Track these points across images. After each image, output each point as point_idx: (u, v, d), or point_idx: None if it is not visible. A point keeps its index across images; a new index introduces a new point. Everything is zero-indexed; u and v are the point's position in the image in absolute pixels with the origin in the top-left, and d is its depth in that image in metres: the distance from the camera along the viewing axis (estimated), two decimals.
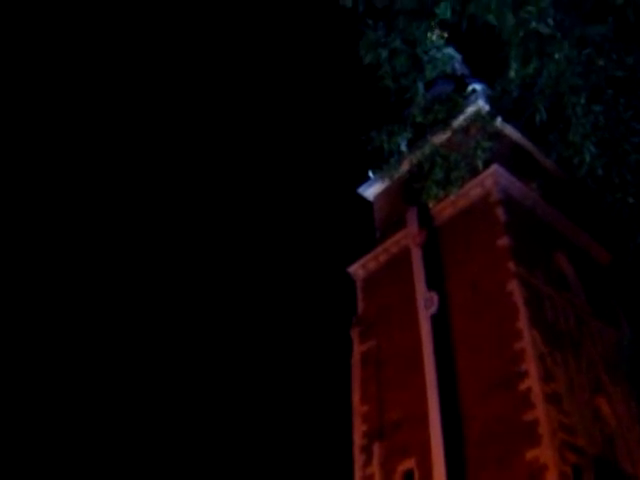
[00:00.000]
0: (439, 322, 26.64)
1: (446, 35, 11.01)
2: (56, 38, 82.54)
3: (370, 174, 35.80)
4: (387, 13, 9.75)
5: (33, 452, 54.42)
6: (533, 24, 8.81)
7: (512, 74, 9.42)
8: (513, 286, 25.24)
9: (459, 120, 13.45)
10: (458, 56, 37.90)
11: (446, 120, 11.79)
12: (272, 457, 52.91)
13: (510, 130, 31.14)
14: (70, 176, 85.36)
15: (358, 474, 27.46)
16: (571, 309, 27.39)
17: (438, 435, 23.90)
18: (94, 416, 62.44)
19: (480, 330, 25.52)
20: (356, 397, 29.70)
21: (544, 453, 21.49)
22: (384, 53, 9.81)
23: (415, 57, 9.99)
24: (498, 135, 25.16)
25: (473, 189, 28.50)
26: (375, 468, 26.75)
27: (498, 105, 11.14)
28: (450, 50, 10.81)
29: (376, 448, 27.11)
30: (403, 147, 11.13)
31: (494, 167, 28.00)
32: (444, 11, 9.31)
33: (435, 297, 27.09)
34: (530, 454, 21.78)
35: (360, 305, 32.49)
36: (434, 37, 10.33)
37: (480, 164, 11.86)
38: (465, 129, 13.93)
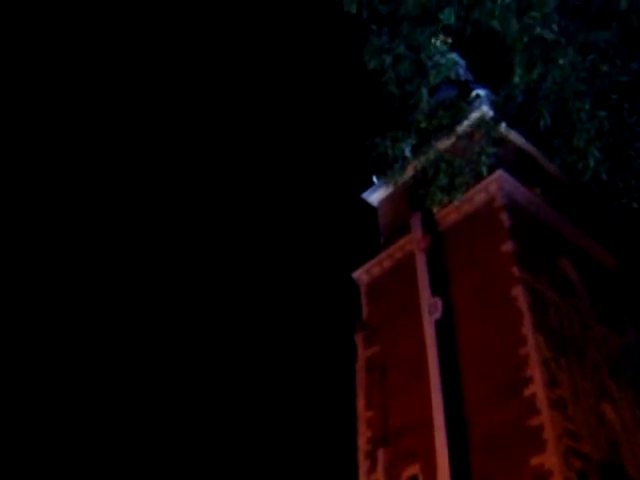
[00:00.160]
0: (443, 327, 26.60)
1: (450, 41, 11.03)
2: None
3: (374, 179, 35.80)
4: (391, 19, 9.77)
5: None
6: (537, 30, 8.82)
7: (516, 79, 9.43)
8: (517, 291, 25.20)
9: (463, 126, 13.45)
10: (462, 62, 37.97)
11: (450, 126, 11.78)
12: (278, 463, 52.88)
13: (514, 135, 31.11)
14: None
15: None
16: (575, 314, 27.34)
17: (443, 441, 23.86)
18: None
19: (484, 335, 25.49)
20: (360, 403, 29.66)
21: (549, 459, 21.44)
22: (388, 59, 9.83)
23: (419, 63, 10.00)
24: (502, 141, 25.14)
25: (477, 194, 28.48)
26: (380, 474, 26.70)
27: (502, 111, 11.13)
28: (454, 56, 10.82)
29: (381, 454, 27.07)
30: (407, 153, 11.15)
31: (498, 172, 27.99)
32: (448, 17, 9.33)
33: (439, 302, 27.05)
34: (535, 460, 21.73)
35: (364, 310, 32.47)
36: (438, 43, 10.34)
37: (484, 170, 11.84)
38: (469, 135, 13.93)
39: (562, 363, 24.52)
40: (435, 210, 28.81)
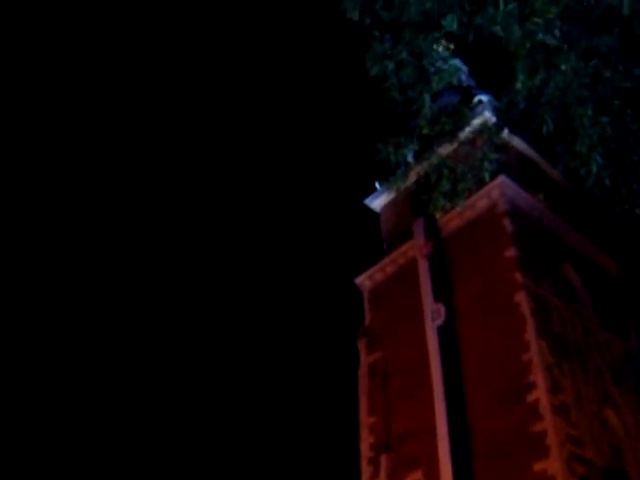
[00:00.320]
0: (446, 333, 26.57)
1: (452, 47, 11.05)
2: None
3: (377, 186, 35.81)
4: (394, 25, 9.79)
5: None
6: (540, 36, 8.83)
7: (519, 85, 9.44)
8: (520, 297, 25.17)
9: (466, 132, 13.45)
10: (464, 68, 37.99)
11: (453, 132, 11.80)
12: (281, 469, 52.77)
13: (517, 141, 31.10)
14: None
15: None
16: (578, 320, 27.31)
17: (446, 447, 23.82)
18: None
19: (487, 341, 25.46)
20: (363, 409, 29.62)
21: (552, 465, 21.39)
22: (390, 65, 9.84)
23: (422, 69, 10.02)
24: (505, 147, 25.17)
25: (480, 200, 28.47)
26: None
27: (505, 117, 11.14)
28: (456, 62, 10.87)
29: (383, 460, 27.02)
30: (410, 159, 11.15)
31: (501, 178, 27.98)
32: (450, 23, 9.34)
33: (442, 308, 27.02)
34: (538, 466, 21.67)
35: (367, 316, 32.45)
36: (440, 49, 10.37)
37: (487, 176, 11.85)
38: (472, 141, 13.92)
39: (565, 369, 24.49)
40: (438, 216, 28.80)
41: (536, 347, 23.85)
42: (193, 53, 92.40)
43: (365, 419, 29.16)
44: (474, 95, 32.30)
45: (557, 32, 8.96)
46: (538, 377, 23.23)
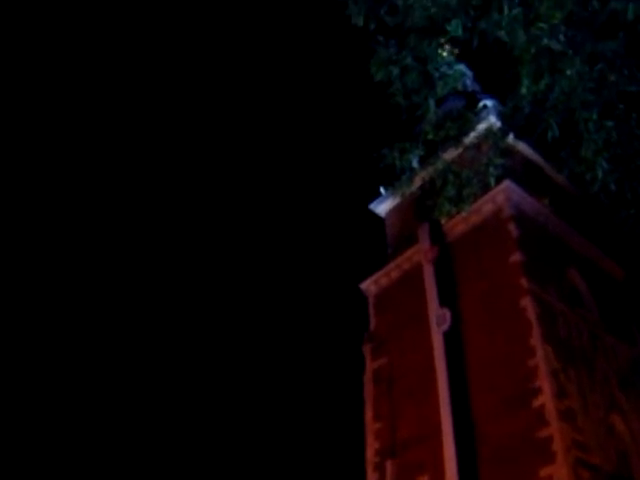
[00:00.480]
0: (452, 338, 26.51)
1: (457, 52, 11.05)
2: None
3: (382, 191, 35.83)
4: (398, 31, 9.79)
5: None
6: (545, 40, 8.82)
7: (524, 90, 9.43)
8: (526, 302, 25.12)
9: (471, 137, 13.43)
10: (469, 73, 38.00)
11: (458, 137, 11.78)
12: (287, 475, 52.72)
13: (522, 146, 31.09)
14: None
15: None
16: (584, 325, 27.25)
17: (451, 452, 23.75)
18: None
19: (493, 346, 25.41)
20: (368, 414, 29.59)
21: (558, 470, 21.32)
22: (395, 70, 9.84)
23: (426, 74, 10.01)
24: (510, 151, 25.13)
25: (485, 205, 28.45)
26: None
27: (510, 121, 11.12)
28: (461, 67, 10.87)
29: (389, 465, 26.96)
30: (415, 164, 11.16)
31: (506, 183, 27.96)
32: (455, 28, 9.34)
33: (447, 314, 26.96)
34: (544, 471, 21.61)
35: (372, 321, 32.43)
36: (445, 54, 10.37)
37: (492, 180, 11.82)
38: (477, 146, 13.91)
39: (571, 374, 24.42)
40: (443, 221, 28.77)
41: (542, 352, 23.80)
42: (197, 61, 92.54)
43: (370, 425, 29.12)
44: (479, 100, 32.32)
45: (562, 37, 8.95)
46: (544, 382, 23.18)
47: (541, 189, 30.79)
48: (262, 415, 71.83)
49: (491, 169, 11.84)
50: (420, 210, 31.61)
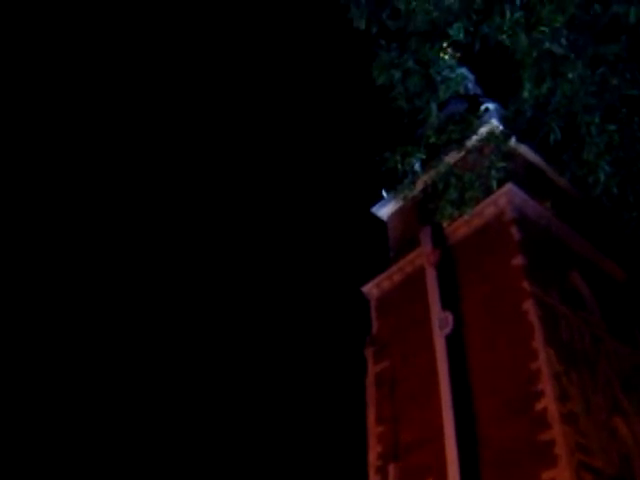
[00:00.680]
0: (454, 342, 26.49)
1: (459, 55, 11.06)
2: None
3: (384, 194, 35.85)
4: (400, 34, 9.81)
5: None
6: (546, 44, 8.85)
7: (526, 94, 9.45)
8: (528, 305, 25.10)
9: (473, 140, 13.44)
10: (471, 76, 37.99)
11: (460, 140, 11.80)
12: (289, 479, 52.70)
13: (524, 150, 31.08)
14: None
15: None
16: (586, 328, 27.22)
17: (454, 456, 23.72)
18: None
19: (495, 350, 25.39)
20: (371, 417, 29.55)
21: (561, 474, 21.28)
22: (397, 74, 9.86)
23: (428, 77, 10.03)
24: (512, 155, 25.15)
25: (487, 208, 28.44)
26: None
27: (512, 125, 11.14)
28: (463, 70, 10.86)
29: (391, 469, 26.93)
30: (417, 167, 11.17)
31: (508, 186, 27.95)
32: (457, 32, 9.36)
33: (450, 317, 26.94)
34: (547, 475, 21.57)
35: (374, 325, 32.40)
36: (447, 57, 10.38)
37: (494, 184, 11.84)
38: (479, 149, 13.91)
39: (573, 377, 24.39)
40: (445, 224, 28.76)
41: (544, 355, 23.77)
42: (197, 64, 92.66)
43: (373, 428, 29.08)
44: (481, 103, 32.30)
45: (564, 40, 8.98)
46: (546, 385, 23.15)
47: (543, 192, 30.77)
48: (264, 418, 71.71)
49: (493, 172, 11.85)
50: (422, 213, 31.59)
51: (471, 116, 12.61)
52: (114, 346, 77.82)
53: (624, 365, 27.95)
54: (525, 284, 25.69)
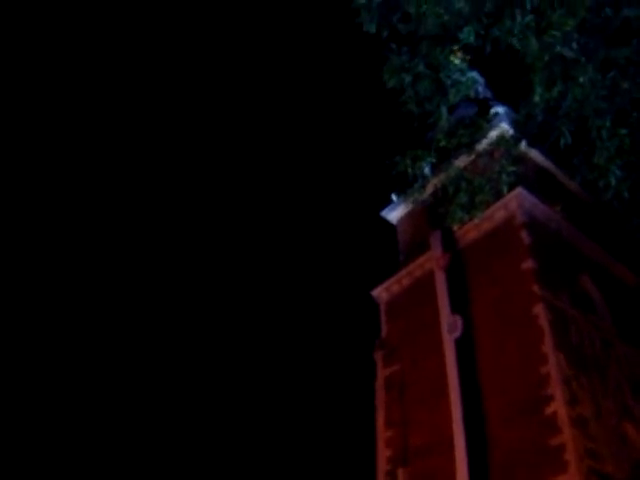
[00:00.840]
0: (463, 346, 26.43)
1: (469, 59, 11.05)
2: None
3: (393, 197, 35.83)
4: (411, 38, 9.82)
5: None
6: (557, 48, 8.83)
7: (536, 98, 9.43)
8: (538, 309, 25.01)
9: (483, 144, 13.41)
10: (481, 80, 37.93)
11: (470, 144, 11.78)
12: None
13: (535, 153, 30.99)
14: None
15: None
16: (597, 332, 27.10)
17: (463, 460, 23.64)
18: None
19: (505, 354, 25.31)
20: (380, 421, 29.50)
21: (571, 479, 21.19)
22: (408, 78, 9.87)
23: (438, 81, 10.04)
24: (522, 159, 25.09)
25: (497, 212, 28.38)
26: None
27: (523, 129, 11.12)
28: (473, 74, 10.84)
29: (400, 473, 26.87)
30: (427, 171, 11.17)
31: (518, 190, 27.87)
32: (468, 35, 9.36)
33: (459, 321, 26.87)
34: None
35: (384, 328, 32.37)
36: (457, 61, 10.37)
37: (505, 188, 11.82)
38: (489, 153, 13.88)
39: (583, 382, 24.28)
40: (455, 228, 28.70)
41: (554, 360, 23.68)
42: (210, 70, 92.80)
43: (382, 432, 29.03)
44: (491, 107, 32.24)
45: (574, 44, 8.96)
46: (556, 390, 23.05)
47: (554, 196, 30.68)
48: (273, 422, 71.74)
49: (503, 176, 11.83)
50: (432, 217, 31.55)
51: (481, 120, 12.59)
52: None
53: (635, 370, 27.80)
54: (535, 288, 25.60)
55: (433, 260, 29.96)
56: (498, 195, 13.22)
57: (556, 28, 8.69)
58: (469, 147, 11.99)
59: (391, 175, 11.26)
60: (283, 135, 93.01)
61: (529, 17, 8.83)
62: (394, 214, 35.95)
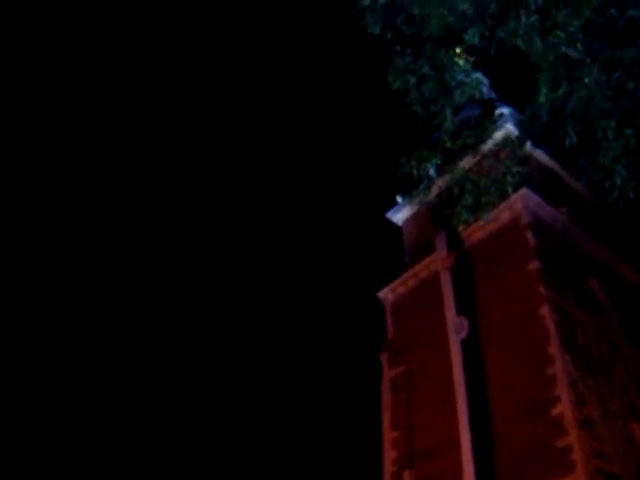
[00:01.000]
0: (469, 347, 26.42)
1: (473, 60, 11.05)
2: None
3: (399, 199, 35.82)
4: (415, 40, 9.82)
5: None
6: (562, 48, 8.81)
7: (542, 98, 9.41)
8: (544, 310, 24.97)
9: (488, 145, 13.40)
10: (486, 80, 37.91)
11: (475, 145, 11.77)
12: None
13: (540, 154, 30.97)
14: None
15: None
16: (603, 333, 27.04)
17: (469, 462, 23.63)
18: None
19: (511, 355, 25.27)
20: (386, 423, 29.47)
21: None
22: (412, 79, 9.87)
23: (443, 83, 10.03)
24: (528, 159, 25.04)
25: (502, 213, 28.35)
26: None
27: (528, 129, 11.10)
28: (478, 75, 10.84)
29: (406, 475, 26.85)
30: (432, 173, 11.17)
31: (523, 191, 27.84)
32: (472, 37, 9.36)
33: (465, 322, 26.87)
34: None
35: (390, 330, 32.34)
36: (462, 62, 10.37)
37: (510, 189, 11.80)
38: (494, 154, 13.86)
39: (590, 383, 24.23)
40: (460, 229, 28.68)
41: (560, 361, 23.64)
42: (216, 71, 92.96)
43: (388, 433, 28.99)
44: (496, 108, 32.22)
45: (579, 45, 8.95)
46: (563, 391, 23.01)
47: (559, 197, 30.64)
48: (279, 424, 71.71)
49: (509, 177, 11.81)
50: (437, 218, 31.54)
51: (486, 121, 12.58)
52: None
53: None
54: (541, 289, 25.56)
55: (439, 261, 29.96)
56: (503, 196, 13.15)
57: (561, 29, 8.68)
58: (474, 148, 11.98)
59: (396, 177, 11.26)
60: (289, 137, 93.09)
61: (534, 18, 8.83)
62: (399, 215, 35.95)
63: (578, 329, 25.71)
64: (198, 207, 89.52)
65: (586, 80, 9.07)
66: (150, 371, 78.99)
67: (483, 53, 9.88)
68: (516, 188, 25.09)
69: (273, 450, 62.59)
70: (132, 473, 53.10)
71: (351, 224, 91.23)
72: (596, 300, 28.80)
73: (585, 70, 9.06)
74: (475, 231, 29.13)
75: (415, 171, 10.95)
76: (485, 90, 37.30)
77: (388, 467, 28.02)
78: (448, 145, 11.30)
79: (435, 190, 14.41)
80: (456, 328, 27.00)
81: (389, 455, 28.33)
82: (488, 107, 32.61)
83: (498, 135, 13.46)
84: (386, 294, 33.21)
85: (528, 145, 12.75)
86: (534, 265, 26.37)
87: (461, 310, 27.45)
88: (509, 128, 24.27)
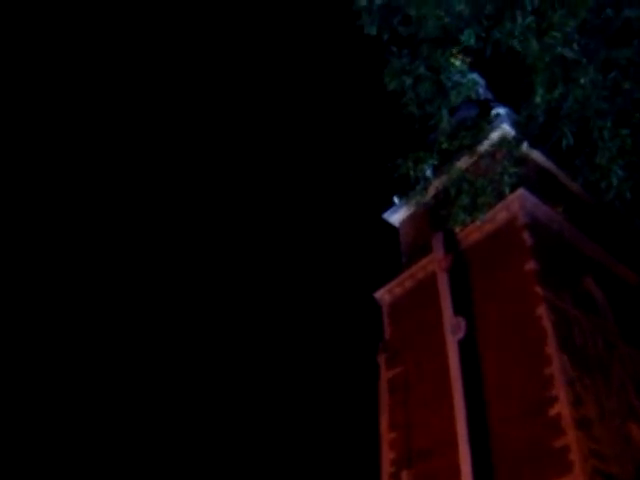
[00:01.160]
0: (467, 348, 26.43)
1: (469, 60, 11.06)
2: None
3: (395, 200, 35.83)
4: (411, 41, 9.83)
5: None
6: (558, 49, 8.83)
7: (538, 99, 9.43)
8: (541, 310, 24.98)
9: (485, 145, 13.41)
10: (482, 81, 37.93)
11: (471, 146, 11.79)
12: None
13: (536, 155, 30.99)
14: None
15: None
16: (600, 333, 27.07)
17: (467, 462, 23.63)
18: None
19: (508, 355, 25.29)
20: (384, 424, 29.47)
21: None
22: (408, 80, 9.88)
23: (439, 83, 10.05)
24: (524, 160, 25.08)
25: (499, 213, 28.36)
26: None
27: (524, 130, 11.12)
28: (474, 75, 10.85)
29: (404, 476, 26.85)
30: (429, 173, 11.17)
31: (520, 191, 27.87)
32: (468, 38, 9.37)
33: (462, 322, 26.88)
34: None
35: (387, 331, 32.34)
36: (458, 63, 10.39)
37: (507, 189, 11.81)
38: (491, 154, 13.88)
39: (587, 382, 24.25)
40: (457, 229, 28.70)
41: (558, 361, 23.66)
42: (213, 71, 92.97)
43: (386, 434, 28.99)
44: (492, 109, 32.26)
45: (575, 45, 8.96)
46: (560, 391, 23.03)
47: (556, 197, 30.67)
48: (277, 425, 71.72)
49: (505, 177, 11.83)
50: (434, 219, 31.56)
51: (482, 121, 12.64)
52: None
53: (638, 370, 27.77)
54: (538, 289, 25.58)
55: (435, 262, 29.97)
56: (500, 196, 13.17)
57: (557, 29, 8.70)
58: (471, 149, 12.01)
59: (393, 178, 11.26)
60: (285, 138, 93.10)
61: (530, 18, 8.84)
62: (396, 216, 35.96)
63: (575, 329, 25.73)
64: (197, 207, 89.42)
65: (582, 80, 9.09)
66: (150, 371, 78.86)
67: (479, 54, 9.89)
68: (513, 188, 25.01)
69: (272, 451, 62.58)
70: (132, 473, 53.07)
71: (348, 225, 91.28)
72: (593, 300, 28.82)
73: (581, 70, 9.07)
74: (472, 232, 29.14)
75: (412, 172, 10.96)
76: (481, 91, 37.35)
77: (386, 468, 28.02)
78: (445, 146, 11.31)
79: (432, 191, 14.41)
80: (453, 329, 27.01)
81: (387, 456, 28.33)
82: (484, 108, 32.65)
83: (494, 136, 13.50)
84: (383, 295, 33.21)
85: (524, 145, 12.77)
86: (531, 265, 26.39)
87: (458, 311, 27.46)
88: (505, 129, 24.33)
